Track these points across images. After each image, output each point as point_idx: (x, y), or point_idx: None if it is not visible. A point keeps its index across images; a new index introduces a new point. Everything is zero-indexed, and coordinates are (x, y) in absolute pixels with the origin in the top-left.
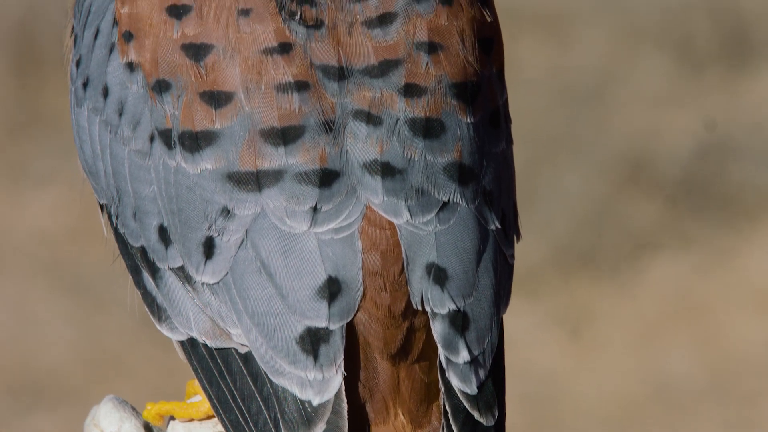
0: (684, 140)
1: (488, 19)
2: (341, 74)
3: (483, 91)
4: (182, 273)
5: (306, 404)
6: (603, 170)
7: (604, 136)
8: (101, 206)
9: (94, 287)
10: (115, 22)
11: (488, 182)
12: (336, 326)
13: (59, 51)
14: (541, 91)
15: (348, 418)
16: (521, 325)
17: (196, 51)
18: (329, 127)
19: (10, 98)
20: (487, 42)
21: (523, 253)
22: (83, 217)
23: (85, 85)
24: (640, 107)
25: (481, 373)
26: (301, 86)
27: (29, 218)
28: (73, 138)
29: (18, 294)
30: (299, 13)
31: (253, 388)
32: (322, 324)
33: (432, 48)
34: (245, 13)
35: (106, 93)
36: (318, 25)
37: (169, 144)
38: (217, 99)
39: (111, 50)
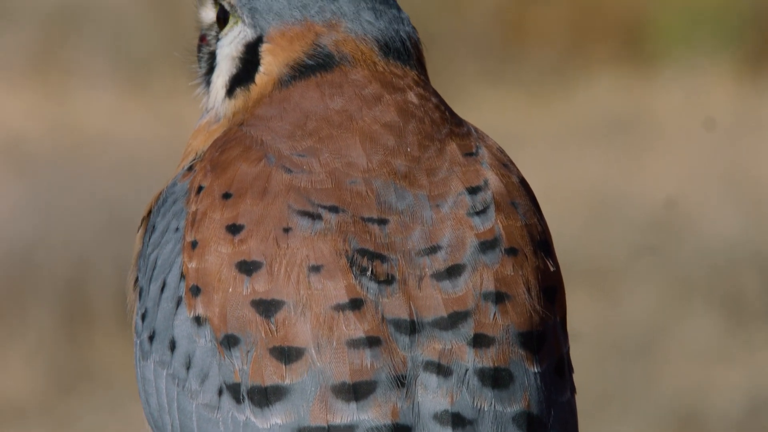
0: (734, 397)
1: (551, 269)
2: (412, 328)
3: (548, 340)
4: None
5: None
6: (653, 426)
7: (654, 392)
8: None
9: None
10: (182, 276)
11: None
12: None
13: (110, 307)
14: (591, 345)
15: None
16: None
17: (267, 307)
18: (401, 382)
19: (59, 353)
20: (551, 291)
21: None
22: None
23: (151, 338)
24: (689, 363)
25: None
26: (372, 342)
27: None
28: (123, 393)
29: None
30: (370, 269)
31: None
32: None
33: (499, 298)
34: (316, 269)
35: (173, 346)
36: (389, 280)
37: (237, 398)
38: (287, 355)
39: (178, 304)
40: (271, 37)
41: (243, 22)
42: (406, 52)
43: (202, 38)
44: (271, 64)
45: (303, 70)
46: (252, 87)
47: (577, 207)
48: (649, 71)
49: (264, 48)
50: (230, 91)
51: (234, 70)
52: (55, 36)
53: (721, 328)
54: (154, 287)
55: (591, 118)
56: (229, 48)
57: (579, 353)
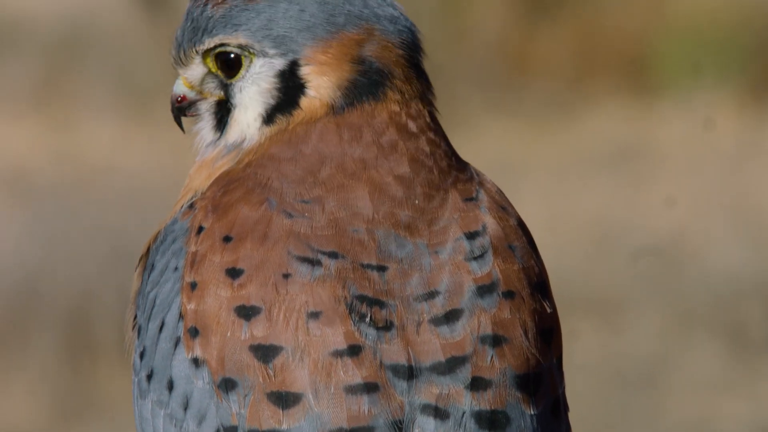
0: (738, 428)
1: (548, 310)
2: (410, 373)
3: (545, 381)
4: None
5: None
6: None
7: (657, 423)
8: None
9: None
10: (181, 316)
11: None
12: None
13: (113, 337)
14: (594, 376)
15: None
16: None
17: (265, 352)
18: (398, 427)
19: (62, 382)
20: (548, 332)
21: None
22: None
23: (149, 377)
24: (693, 394)
25: None
26: (370, 388)
27: None
28: (125, 424)
29: None
30: (369, 315)
31: None
32: None
33: (496, 341)
34: (315, 315)
35: (171, 386)
36: (388, 326)
37: None
38: (285, 400)
39: (176, 344)
40: (311, 57)
41: (264, 55)
42: (418, 49)
43: (181, 98)
44: (320, 87)
45: (356, 92)
46: (295, 113)
47: (580, 237)
48: (652, 102)
49: (308, 70)
50: (269, 118)
51: (272, 101)
52: (59, 66)
53: (724, 358)
54: (153, 326)
55: (594, 148)
56: (253, 87)
57: (582, 384)
